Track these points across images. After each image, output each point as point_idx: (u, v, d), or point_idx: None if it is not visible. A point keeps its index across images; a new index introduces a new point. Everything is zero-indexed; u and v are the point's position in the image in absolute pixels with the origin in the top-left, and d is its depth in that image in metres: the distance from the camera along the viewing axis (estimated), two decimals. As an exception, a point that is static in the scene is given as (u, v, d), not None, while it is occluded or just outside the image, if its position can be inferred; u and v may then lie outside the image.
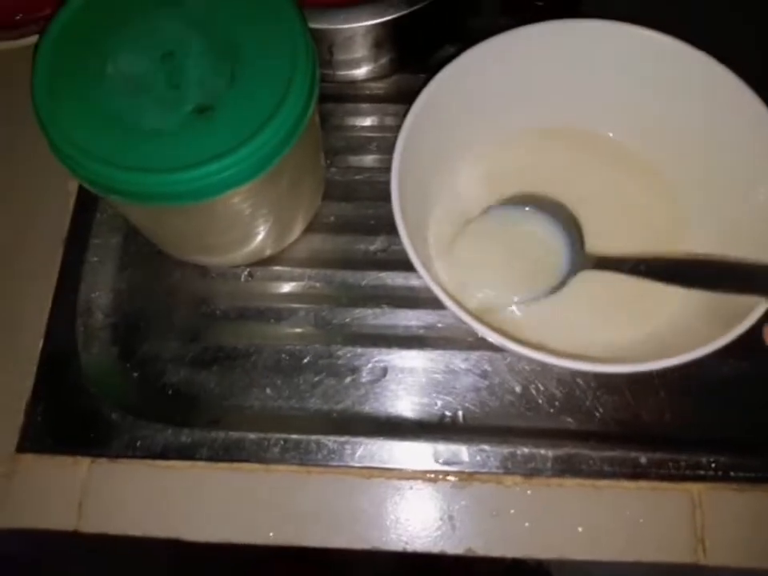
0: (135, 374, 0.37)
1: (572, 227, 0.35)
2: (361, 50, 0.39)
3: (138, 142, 0.28)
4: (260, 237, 0.37)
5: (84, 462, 0.35)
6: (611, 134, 0.38)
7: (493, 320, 0.34)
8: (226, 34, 0.30)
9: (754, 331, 0.28)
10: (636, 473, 0.33)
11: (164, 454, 0.35)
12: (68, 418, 0.35)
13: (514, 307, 0.35)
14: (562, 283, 0.34)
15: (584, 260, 0.34)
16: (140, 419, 0.35)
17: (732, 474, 0.33)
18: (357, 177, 0.41)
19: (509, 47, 0.34)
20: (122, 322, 0.38)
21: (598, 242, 0.35)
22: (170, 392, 0.37)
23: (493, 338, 0.29)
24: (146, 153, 0.28)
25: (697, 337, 0.29)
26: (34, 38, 0.42)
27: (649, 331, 0.33)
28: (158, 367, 0.37)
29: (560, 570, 0.50)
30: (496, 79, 0.35)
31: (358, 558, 0.34)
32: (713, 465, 0.33)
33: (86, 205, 0.40)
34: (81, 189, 0.40)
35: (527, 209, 0.35)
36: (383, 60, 0.41)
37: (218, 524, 0.34)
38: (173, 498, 0.34)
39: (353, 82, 0.43)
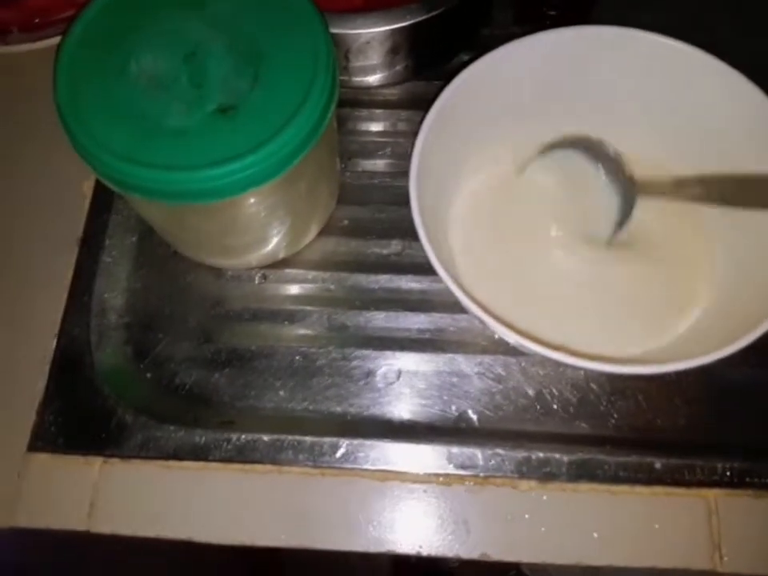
0: (148, 375, 0.37)
1: (616, 163, 0.35)
2: (377, 56, 0.40)
3: (160, 139, 0.28)
4: (276, 239, 0.37)
5: (96, 462, 0.34)
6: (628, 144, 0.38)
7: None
8: (250, 36, 0.30)
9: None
10: (651, 478, 0.33)
11: (177, 454, 0.34)
12: (80, 418, 0.35)
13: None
14: (625, 218, 0.34)
15: (634, 188, 0.34)
16: (153, 419, 0.35)
17: (748, 479, 0.33)
18: (371, 181, 0.41)
19: (523, 54, 0.35)
20: (135, 322, 0.38)
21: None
22: (183, 393, 0.36)
23: (512, 338, 0.29)
24: (167, 150, 0.28)
25: (715, 342, 0.29)
26: (54, 40, 0.43)
27: (667, 338, 0.33)
28: (172, 368, 0.37)
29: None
30: (510, 86, 0.36)
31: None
32: (728, 471, 0.33)
33: (102, 206, 0.40)
34: (96, 189, 0.41)
35: (581, 150, 0.36)
36: (398, 66, 0.41)
37: (231, 526, 0.33)
38: (185, 499, 0.34)
39: (368, 88, 0.43)
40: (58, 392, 0.36)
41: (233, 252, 0.37)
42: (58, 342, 0.37)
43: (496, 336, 0.36)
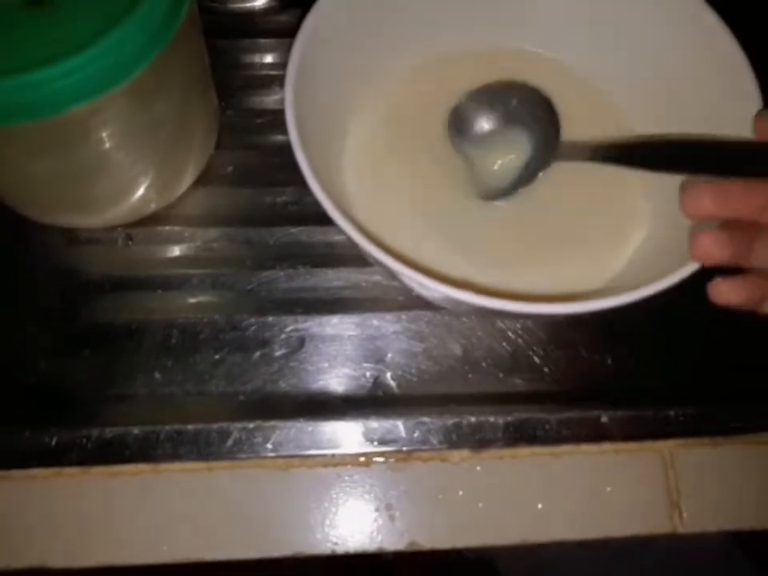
0: (-18, 367, 0.29)
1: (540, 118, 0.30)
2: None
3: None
4: (140, 188, 0.30)
5: None
6: (542, 51, 0.33)
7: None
8: None
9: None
10: (598, 434, 0.29)
11: (24, 461, 0.27)
12: None
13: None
14: (533, 174, 0.30)
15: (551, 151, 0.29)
16: (-12, 422, 0.27)
17: (704, 426, 0.29)
18: (258, 120, 0.35)
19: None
20: (-38, 303, 0.30)
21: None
22: (29, 386, 0.29)
23: (426, 282, 0.23)
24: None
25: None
26: None
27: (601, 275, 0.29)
28: (14, 357, 0.29)
29: (505, 557, 0.45)
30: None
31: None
32: (682, 417, 0.29)
33: None
34: None
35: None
36: (283, -14, 0.35)
37: (96, 543, 0.27)
38: (36, 516, 0.27)
39: (250, 14, 0.37)
40: None
41: (86, 206, 0.30)
42: None
43: (414, 291, 0.31)
